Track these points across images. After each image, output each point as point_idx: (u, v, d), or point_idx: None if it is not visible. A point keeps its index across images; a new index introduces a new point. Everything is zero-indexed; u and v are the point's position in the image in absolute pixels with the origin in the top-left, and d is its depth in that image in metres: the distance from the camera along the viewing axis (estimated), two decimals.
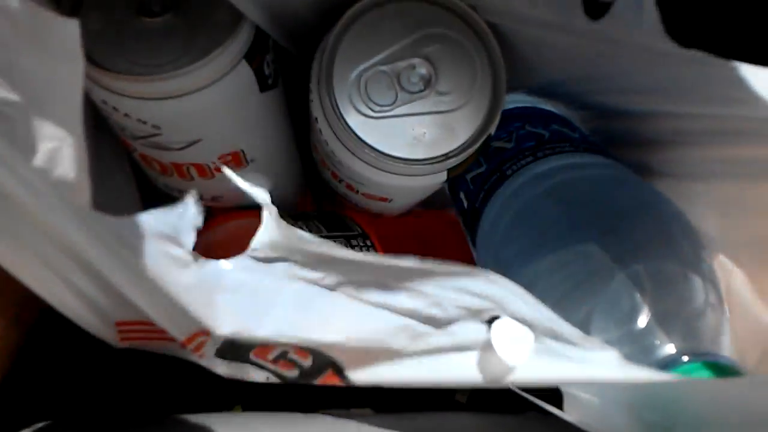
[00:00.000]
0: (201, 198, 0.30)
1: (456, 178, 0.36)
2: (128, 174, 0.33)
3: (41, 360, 0.32)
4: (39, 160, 0.16)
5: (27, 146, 0.16)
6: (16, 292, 0.24)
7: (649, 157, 0.35)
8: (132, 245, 0.20)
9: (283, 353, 0.26)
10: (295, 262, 0.23)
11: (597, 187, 0.32)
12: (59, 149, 0.16)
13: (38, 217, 0.17)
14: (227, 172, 0.21)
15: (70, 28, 0.16)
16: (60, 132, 0.16)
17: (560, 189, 0.32)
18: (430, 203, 0.38)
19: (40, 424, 0.30)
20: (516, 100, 0.37)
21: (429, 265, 0.23)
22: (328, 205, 0.36)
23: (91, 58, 0.23)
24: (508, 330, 0.24)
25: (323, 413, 0.31)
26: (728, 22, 0.21)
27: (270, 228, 0.22)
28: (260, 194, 0.22)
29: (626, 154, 0.36)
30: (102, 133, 0.29)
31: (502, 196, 0.33)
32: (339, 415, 0.31)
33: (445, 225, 0.37)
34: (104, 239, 0.18)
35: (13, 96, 0.15)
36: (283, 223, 0.22)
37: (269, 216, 0.22)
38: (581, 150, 0.33)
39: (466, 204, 0.35)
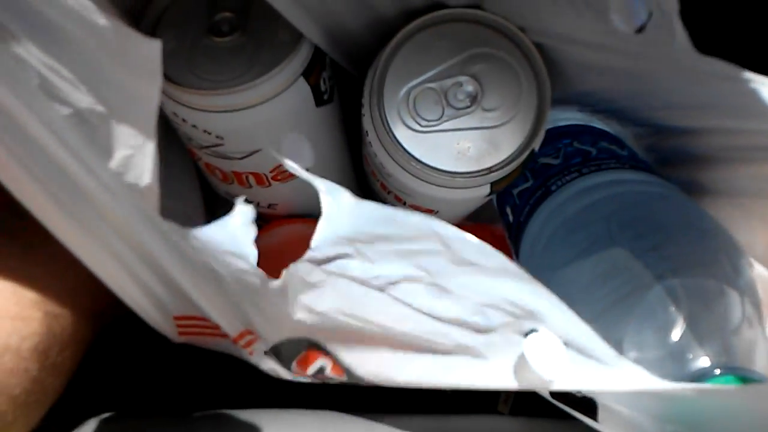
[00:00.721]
0: (258, 205, 0.33)
1: (503, 192, 0.37)
2: (195, 182, 0.35)
3: (110, 354, 0.34)
4: (115, 163, 0.18)
5: (105, 151, 0.18)
6: (88, 288, 0.26)
7: (701, 175, 0.35)
8: (197, 250, 0.21)
9: (321, 369, 0.28)
10: (351, 256, 0.24)
11: (640, 204, 0.32)
12: (133, 156, 0.18)
13: (112, 216, 0.19)
14: (290, 165, 0.22)
15: (153, 48, 0.18)
16: (135, 141, 0.18)
17: (603, 204, 0.32)
18: (479, 217, 0.39)
19: (105, 415, 0.32)
20: (567, 117, 0.38)
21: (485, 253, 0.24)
22: None
23: (164, 74, 0.25)
24: (544, 344, 0.25)
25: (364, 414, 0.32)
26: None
27: (332, 219, 0.23)
28: (321, 183, 0.23)
29: (679, 172, 0.36)
30: (171, 144, 0.31)
31: (546, 211, 0.34)
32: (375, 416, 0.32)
33: (491, 239, 0.38)
34: (170, 241, 0.20)
35: (98, 106, 0.17)
36: (351, 197, 0.23)
37: (332, 202, 0.23)
38: (627, 167, 0.34)
39: (511, 218, 0.36)
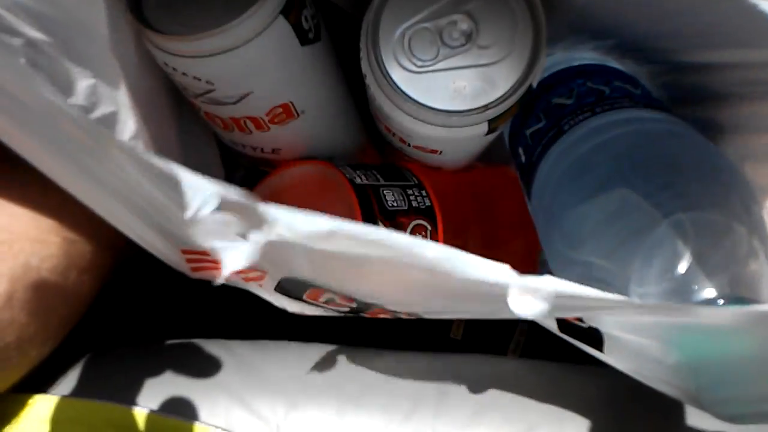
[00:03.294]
0: (262, 151, 0.34)
1: (515, 133, 0.37)
2: (210, 136, 0.37)
3: (131, 284, 0.36)
4: (79, 97, 0.19)
5: (68, 83, 0.18)
6: None
7: (719, 112, 0.34)
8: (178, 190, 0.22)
9: (331, 299, 0.29)
10: None
11: (652, 142, 0.32)
12: (97, 86, 0.19)
13: (98, 154, 0.20)
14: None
15: None
16: (96, 69, 0.19)
17: (615, 143, 0.32)
18: (492, 158, 0.39)
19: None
20: (581, 57, 0.37)
21: None
22: (389, 158, 0.38)
23: (151, 26, 0.26)
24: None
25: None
26: None
27: None
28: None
29: (696, 111, 0.35)
30: (190, 112, 0.33)
31: (557, 150, 0.34)
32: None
33: (504, 180, 0.39)
34: (154, 179, 0.21)
35: (47, 36, 0.18)
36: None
37: None
38: (640, 106, 0.33)
39: (524, 158, 0.36)
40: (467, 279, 0.21)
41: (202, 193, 0.18)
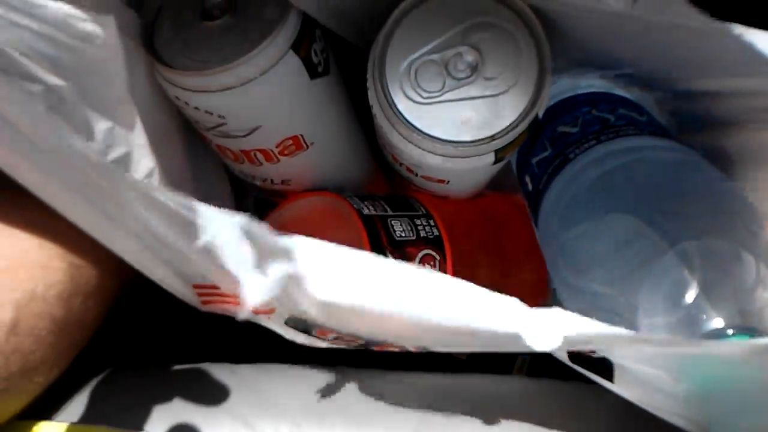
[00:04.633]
0: (272, 182, 0.34)
1: (522, 161, 0.37)
2: (221, 168, 0.37)
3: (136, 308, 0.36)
4: (98, 139, 0.19)
5: (86, 128, 0.19)
6: None
7: (723, 140, 0.34)
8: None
9: (339, 337, 0.29)
10: None
11: (657, 170, 0.32)
12: (114, 129, 0.20)
13: (112, 194, 0.20)
14: None
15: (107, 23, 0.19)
16: (113, 112, 0.20)
17: (620, 171, 0.32)
18: (500, 187, 0.39)
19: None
20: (587, 85, 0.37)
21: None
22: (397, 188, 0.38)
23: (163, 61, 0.27)
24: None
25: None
26: None
27: None
28: None
29: (702, 138, 0.35)
30: (200, 144, 0.33)
31: (564, 179, 0.34)
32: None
33: (512, 207, 0.39)
34: (167, 215, 0.21)
35: (66, 81, 0.18)
36: None
37: None
38: (645, 133, 0.33)
39: (530, 186, 0.36)
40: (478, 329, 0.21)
41: (218, 223, 0.18)
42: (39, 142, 0.18)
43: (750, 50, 0.23)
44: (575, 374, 0.30)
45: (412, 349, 0.29)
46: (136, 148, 0.23)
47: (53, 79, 0.20)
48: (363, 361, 0.36)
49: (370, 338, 0.28)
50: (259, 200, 0.39)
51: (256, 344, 0.37)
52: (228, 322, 0.32)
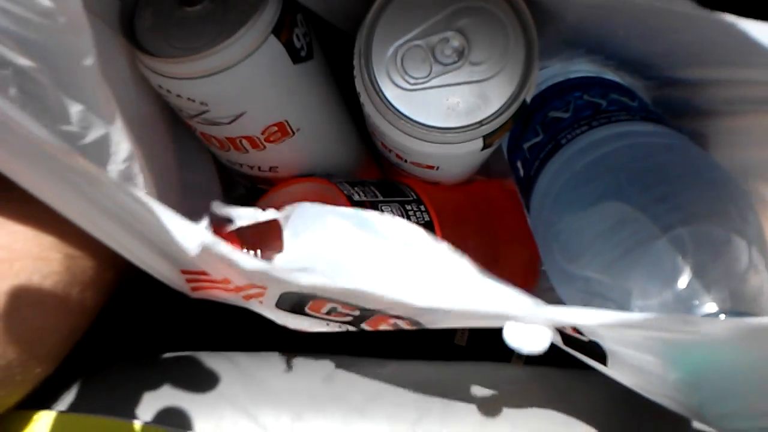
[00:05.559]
0: (259, 169, 0.34)
1: (513, 147, 0.37)
2: (212, 166, 0.37)
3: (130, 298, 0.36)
4: (73, 120, 0.19)
5: (60, 110, 0.19)
6: None
7: (708, 127, 0.34)
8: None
9: (334, 308, 0.29)
10: None
11: (649, 155, 0.32)
12: (87, 111, 0.20)
13: (93, 180, 0.20)
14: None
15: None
16: (85, 95, 0.20)
17: (612, 157, 0.32)
18: (492, 172, 0.39)
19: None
20: (578, 70, 0.37)
21: None
22: (387, 174, 0.38)
23: (144, 48, 0.27)
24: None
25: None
26: None
27: None
28: None
29: (690, 125, 0.35)
30: (187, 133, 0.33)
31: (555, 165, 0.34)
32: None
33: (503, 193, 0.39)
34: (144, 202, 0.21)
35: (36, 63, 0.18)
36: None
37: None
38: (637, 119, 0.33)
39: (522, 172, 0.36)
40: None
41: (188, 238, 0.18)
42: (13, 127, 0.18)
43: (743, 39, 0.23)
44: (574, 362, 0.30)
45: (404, 325, 0.29)
46: (115, 131, 0.23)
47: (22, 60, 0.20)
48: (361, 349, 0.36)
49: (364, 305, 0.28)
50: (247, 188, 0.39)
51: (251, 333, 0.37)
52: (221, 311, 0.32)
